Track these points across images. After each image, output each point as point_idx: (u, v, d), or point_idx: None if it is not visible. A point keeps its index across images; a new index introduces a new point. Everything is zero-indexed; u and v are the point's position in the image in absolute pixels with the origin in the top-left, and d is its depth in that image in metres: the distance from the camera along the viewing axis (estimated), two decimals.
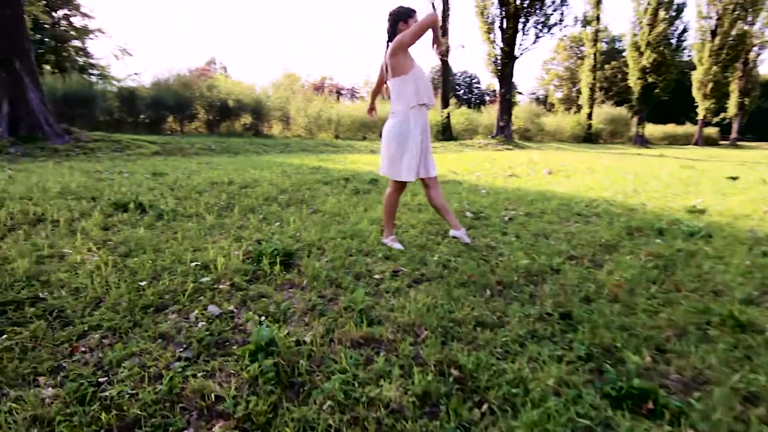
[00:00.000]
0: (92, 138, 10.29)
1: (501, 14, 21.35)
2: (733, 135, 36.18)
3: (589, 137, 27.60)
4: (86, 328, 1.72)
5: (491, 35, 21.71)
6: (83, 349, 1.56)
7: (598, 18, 27.18)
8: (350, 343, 1.66)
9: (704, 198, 5.52)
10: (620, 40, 40.03)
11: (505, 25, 21.26)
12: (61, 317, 1.82)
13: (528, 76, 69.30)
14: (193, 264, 2.49)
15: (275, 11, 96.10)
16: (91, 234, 3.11)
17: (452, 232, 3.21)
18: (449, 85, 24.74)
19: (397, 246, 3.00)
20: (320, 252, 2.83)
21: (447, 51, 22.71)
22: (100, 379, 1.37)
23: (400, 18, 2.76)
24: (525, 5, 20.83)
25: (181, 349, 1.58)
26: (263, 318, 1.85)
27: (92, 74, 23.81)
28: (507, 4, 20.83)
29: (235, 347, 1.59)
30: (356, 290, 2.11)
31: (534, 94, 52.44)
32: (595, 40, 28.10)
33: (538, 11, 21.02)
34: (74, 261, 2.50)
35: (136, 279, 2.22)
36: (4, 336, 1.62)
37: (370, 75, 63.20)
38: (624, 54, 31.04)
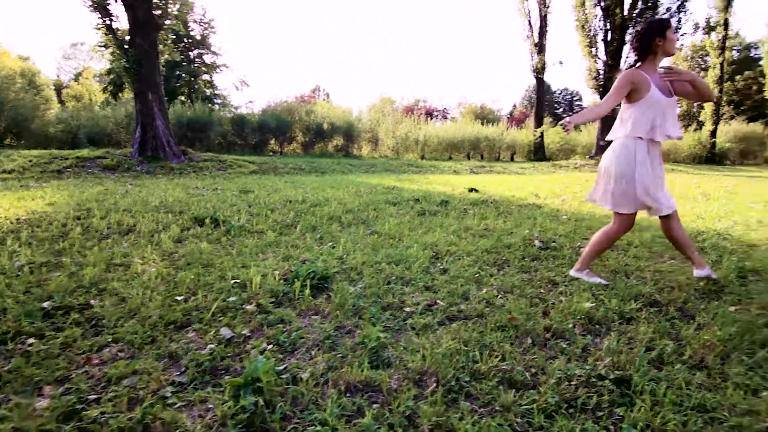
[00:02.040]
0: (202, 158, 11.61)
1: (605, 26, 19.84)
2: None
3: (712, 158, 23.96)
4: (110, 340, 1.81)
5: (593, 49, 20.25)
6: (96, 361, 1.63)
7: (726, 23, 23.79)
8: (346, 387, 1.50)
9: None
10: (756, 47, 34.54)
11: (609, 38, 19.68)
12: (96, 326, 1.95)
13: None
14: (233, 281, 2.55)
15: (377, 38, 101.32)
16: (163, 246, 3.39)
17: (696, 272, 2.74)
18: (543, 104, 23.49)
19: (595, 279, 2.73)
20: (359, 277, 2.72)
21: (542, 68, 21.66)
22: (91, 396, 1.40)
23: (657, 33, 2.48)
24: (634, 15, 19.09)
25: (179, 373, 1.57)
26: (270, 347, 1.78)
27: (216, 103, 27.28)
28: (612, 15, 19.30)
29: (228, 377, 1.54)
30: (375, 324, 1.95)
31: None
32: (722, 49, 24.54)
33: None
34: (135, 271, 2.72)
35: (174, 293, 2.32)
36: (41, 340, 1.77)
37: (465, 96, 62.77)
38: (760, 62, 26.63)
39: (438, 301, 2.34)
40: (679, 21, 19.27)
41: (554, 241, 3.84)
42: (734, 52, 32.89)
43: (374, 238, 3.81)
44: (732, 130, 25.44)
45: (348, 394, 1.48)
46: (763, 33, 24.78)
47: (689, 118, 30.64)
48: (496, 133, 21.28)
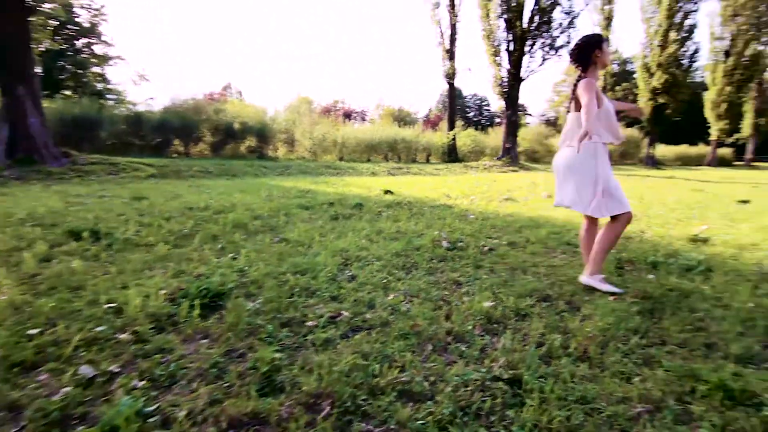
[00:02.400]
0: (89, 161, 10.31)
1: (508, 38, 21.34)
2: (748, 155, 35.56)
3: None
4: None
5: (498, 58, 21.68)
6: None
7: (607, 40, 27.04)
8: (229, 422, 1.34)
9: (710, 225, 5.10)
10: (631, 62, 39.83)
11: (511, 48, 21.23)
12: None
13: (539, 99, 69.57)
14: (107, 306, 2.22)
15: (295, 36, 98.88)
16: (24, 267, 2.88)
17: (583, 277, 2.83)
18: (455, 108, 24.69)
19: (607, 287, 2.67)
20: (259, 290, 2.53)
21: (453, 74, 22.74)
22: None
23: (595, 46, 2.71)
24: (532, 28, 20.81)
25: (17, 429, 1.29)
26: (142, 383, 1.55)
27: (109, 99, 24.47)
28: (514, 27, 20.84)
29: (82, 428, 1.29)
30: (271, 344, 1.80)
31: (544, 116, 52.23)
32: None
33: (544, 34, 20.97)
34: None
35: (27, 326, 1.95)
36: None
37: (383, 98, 63.91)
38: (635, 75, 30.72)
39: (343, 312, 2.25)
40: (569, 36, 21.37)
41: (461, 241, 3.96)
42: (614, 65, 37.68)
43: (282, 246, 3.62)
44: None
45: (231, 431, 1.32)
46: (636, 50, 28.54)
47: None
48: (412, 135, 21.89)
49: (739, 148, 36.95)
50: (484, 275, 2.99)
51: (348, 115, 35.22)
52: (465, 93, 56.78)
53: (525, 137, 25.67)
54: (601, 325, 2.14)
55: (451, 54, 22.46)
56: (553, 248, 3.87)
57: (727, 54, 30.33)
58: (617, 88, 38.88)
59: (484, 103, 59.75)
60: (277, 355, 1.75)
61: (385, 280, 2.80)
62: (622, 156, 29.35)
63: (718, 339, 2.08)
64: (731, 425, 1.44)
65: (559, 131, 35.52)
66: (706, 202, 7.80)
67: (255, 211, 5.11)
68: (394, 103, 42.73)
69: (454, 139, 22.51)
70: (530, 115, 52.91)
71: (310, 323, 2.11)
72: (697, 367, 1.77)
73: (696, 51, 27.01)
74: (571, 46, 2.81)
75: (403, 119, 33.41)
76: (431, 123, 34.50)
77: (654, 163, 27.47)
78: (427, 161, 22.02)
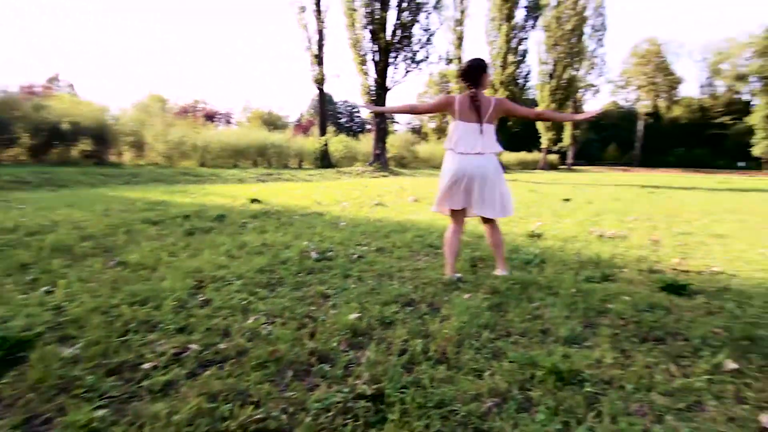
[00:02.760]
0: None
1: (373, 48, 22.20)
2: (569, 161, 44.01)
3: None
4: None
5: (365, 67, 22.39)
6: None
7: (460, 58, 30.13)
8: None
9: (542, 221, 5.97)
10: None
11: (377, 59, 22.14)
12: None
13: None
14: None
15: (146, 27, 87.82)
16: None
17: (450, 276, 3.16)
18: (326, 113, 24.81)
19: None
20: (81, 331, 2.07)
21: (322, 80, 22.78)
22: None
23: (485, 69, 3.09)
24: (395, 41, 22.01)
25: None
26: None
27: None
28: (378, 39, 21.77)
29: None
30: (91, 400, 1.46)
31: (410, 123, 55.92)
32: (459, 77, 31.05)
33: (406, 48, 22.37)
34: None
35: None
36: None
37: (250, 100, 60.98)
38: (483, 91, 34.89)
39: (191, 346, 1.96)
40: (427, 52, 23.17)
41: (331, 251, 3.89)
42: None
43: (117, 271, 3.07)
44: None
45: None
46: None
47: (441, 132, 37.56)
48: (283, 140, 21.29)
49: (563, 155, 45.02)
50: (352, 285, 2.96)
51: (211, 117, 32.68)
52: (336, 99, 57.58)
53: (393, 144, 27.05)
54: (457, 325, 2.26)
55: (319, 59, 22.46)
56: (417, 251, 4.05)
57: (550, 76, 36.74)
58: None
59: (354, 110, 61.36)
60: (98, 413, 1.42)
61: (245, 302, 2.56)
62: None
63: (551, 324, 2.37)
64: (562, 405, 1.61)
65: (423, 138, 38.40)
66: (539, 201, 9.17)
67: (85, 230, 4.29)
68: (263, 106, 41.15)
69: (326, 144, 22.57)
70: (397, 123, 56.10)
71: (147, 365, 1.78)
72: (535, 354, 1.97)
73: (528, 72, 32.21)
74: (462, 66, 3.16)
75: (273, 123, 32.36)
76: (303, 128, 34.08)
77: (501, 167, 31.58)
78: (300, 167, 21.65)
